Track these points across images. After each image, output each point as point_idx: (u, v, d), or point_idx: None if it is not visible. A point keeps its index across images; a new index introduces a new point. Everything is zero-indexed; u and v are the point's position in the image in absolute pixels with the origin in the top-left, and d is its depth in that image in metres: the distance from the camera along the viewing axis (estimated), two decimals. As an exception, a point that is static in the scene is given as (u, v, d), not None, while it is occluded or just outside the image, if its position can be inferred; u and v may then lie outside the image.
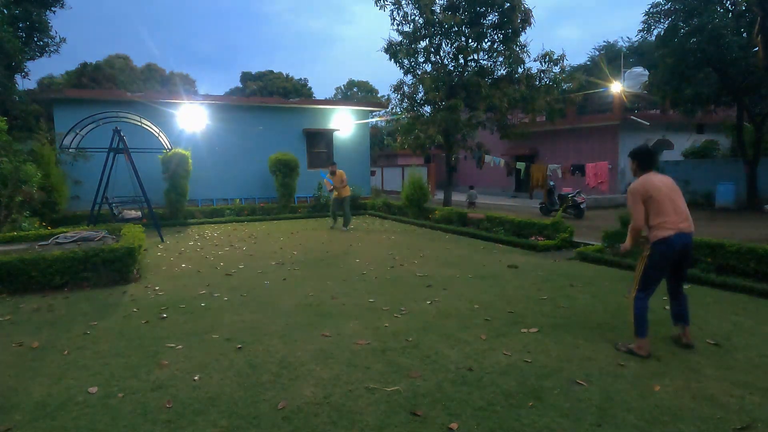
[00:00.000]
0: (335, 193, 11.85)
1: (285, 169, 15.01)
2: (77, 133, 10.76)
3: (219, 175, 15.87)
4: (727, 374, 3.48)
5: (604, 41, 35.67)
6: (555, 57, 15.53)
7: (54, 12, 15.58)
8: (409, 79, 16.45)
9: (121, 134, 10.08)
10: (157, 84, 35.99)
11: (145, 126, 11.07)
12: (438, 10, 15.30)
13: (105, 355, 3.95)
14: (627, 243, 4.16)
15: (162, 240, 10.09)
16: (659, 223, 3.86)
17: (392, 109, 17.75)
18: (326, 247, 9.21)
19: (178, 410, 3.04)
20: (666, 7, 14.74)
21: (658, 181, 3.95)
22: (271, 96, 34.82)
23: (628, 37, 38.44)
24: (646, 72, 18.30)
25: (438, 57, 15.97)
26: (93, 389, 3.32)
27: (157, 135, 11.43)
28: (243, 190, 16.32)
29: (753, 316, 4.83)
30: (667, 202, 3.88)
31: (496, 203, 19.34)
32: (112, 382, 3.45)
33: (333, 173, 11.86)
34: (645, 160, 4.06)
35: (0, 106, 13.91)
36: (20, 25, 14.39)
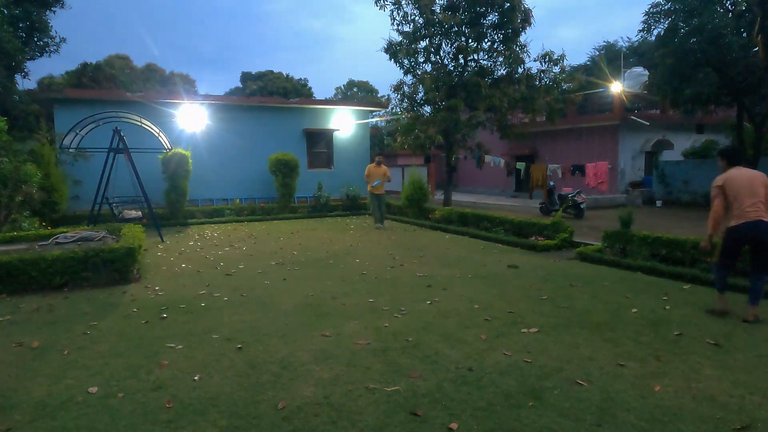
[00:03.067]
0: (374, 188, 11.64)
1: (285, 169, 15.02)
2: (77, 133, 10.76)
3: (219, 175, 15.87)
4: (727, 374, 3.48)
5: (604, 41, 35.71)
6: (555, 57, 15.54)
7: (54, 12, 15.60)
8: (409, 79, 16.47)
9: (121, 134, 10.09)
10: (157, 84, 36.01)
11: (145, 126, 11.07)
12: (438, 10, 15.30)
13: (105, 355, 3.95)
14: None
15: (162, 240, 10.09)
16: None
17: (392, 109, 17.76)
18: (326, 247, 9.21)
19: (178, 410, 3.04)
20: (666, 7, 14.72)
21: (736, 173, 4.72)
22: (271, 96, 34.82)
23: (628, 37, 38.46)
24: (646, 72, 18.28)
25: (438, 57, 15.97)
26: (93, 389, 3.32)
27: (157, 135, 11.43)
28: (243, 190, 16.32)
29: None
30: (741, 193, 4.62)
31: (496, 203, 19.34)
32: (112, 382, 3.45)
33: (379, 164, 11.71)
34: (732, 156, 4.88)
35: (0, 106, 13.91)
36: (20, 25, 14.40)
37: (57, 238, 7.48)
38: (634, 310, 5.01)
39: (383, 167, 11.79)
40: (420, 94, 16.18)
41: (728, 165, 4.87)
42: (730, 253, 4.83)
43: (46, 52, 15.40)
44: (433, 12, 15.09)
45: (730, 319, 4.72)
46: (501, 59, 15.59)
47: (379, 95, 45.82)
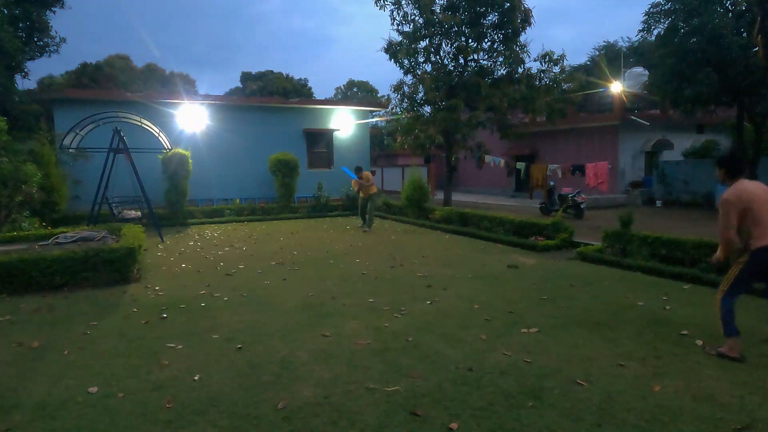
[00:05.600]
0: (362, 192, 11.80)
1: (285, 169, 15.02)
2: (77, 133, 10.75)
3: (219, 175, 15.86)
4: (727, 374, 3.48)
5: (604, 41, 35.67)
6: (555, 57, 15.54)
7: (54, 12, 15.62)
8: (409, 79, 16.47)
9: (121, 134, 10.08)
10: (157, 84, 35.95)
11: (145, 126, 11.07)
12: (438, 10, 15.30)
13: (105, 355, 3.95)
14: (720, 254, 3.96)
15: (162, 240, 10.09)
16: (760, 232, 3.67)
17: (392, 109, 17.75)
18: (326, 247, 9.21)
19: (178, 410, 3.04)
20: (666, 7, 14.72)
21: (753, 188, 3.80)
22: (272, 96, 34.82)
23: (628, 37, 38.41)
24: (646, 72, 18.29)
25: (438, 57, 15.97)
26: (93, 389, 3.32)
27: (157, 135, 11.42)
28: (243, 190, 16.32)
29: (753, 316, 4.82)
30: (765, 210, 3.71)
31: (496, 203, 19.33)
32: (112, 382, 3.45)
33: (360, 177, 11.68)
34: (734, 166, 3.92)
35: (0, 106, 13.91)
36: (20, 25, 14.41)
37: (57, 238, 7.48)
38: (634, 310, 5.01)
39: (365, 174, 11.78)
40: (420, 94, 16.17)
41: (729, 177, 3.93)
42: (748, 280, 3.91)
43: (46, 52, 15.43)
44: (433, 12, 15.09)
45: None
46: (501, 59, 15.59)
47: (379, 95, 45.83)
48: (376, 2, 15.77)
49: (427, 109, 16.48)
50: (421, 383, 3.36)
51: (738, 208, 3.70)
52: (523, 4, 15.08)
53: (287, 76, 43.97)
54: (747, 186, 3.80)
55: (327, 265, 7.53)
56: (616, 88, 18.49)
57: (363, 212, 12.09)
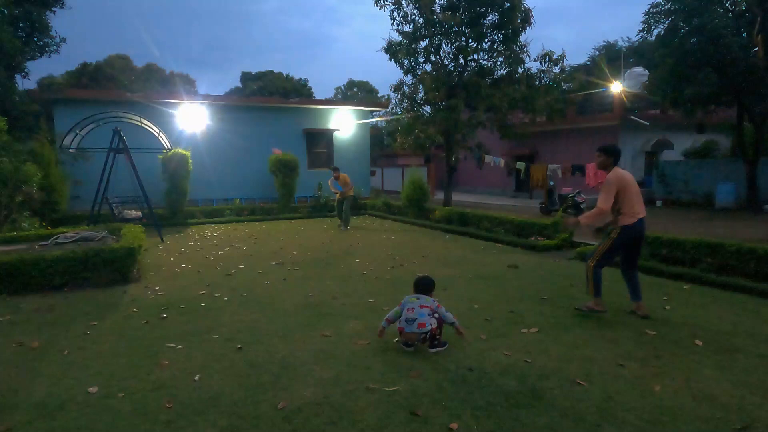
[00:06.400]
0: (338, 194, 12.13)
1: (285, 169, 15.02)
2: (77, 133, 10.76)
3: (219, 175, 15.88)
4: (727, 374, 3.47)
5: (604, 41, 35.64)
6: (555, 57, 15.54)
7: (54, 12, 15.64)
8: (409, 79, 16.48)
9: (121, 134, 10.08)
10: (157, 84, 35.97)
11: (145, 126, 11.07)
12: (438, 10, 15.31)
13: (105, 355, 3.95)
14: (585, 220, 4.73)
15: (162, 240, 10.08)
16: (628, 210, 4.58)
17: (392, 109, 17.77)
18: (326, 247, 9.21)
19: (178, 410, 3.03)
20: (666, 7, 14.74)
21: (626, 174, 4.71)
22: (272, 96, 34.83)
23: (628, 37, 38.40)
24: (646, 72, 18.28)
25: (438, 57, 15.97)
26: (93, 389, 3.32)
27: (157, 135, 11.42)
28: (243, 190, 16.32)
29: (753, 316, 4.82)
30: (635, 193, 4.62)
31: (496, 203, 19.34)
32: (112, 382, 3.45)
33: (337, 178, 12.05)
34: (616, 155, 4.80)
35: (0, 106, 13.92)
36: (20, 25, 14.42)
37: (57, 238, 7.48)
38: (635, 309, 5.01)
39: (342, 176, 12.03)
40: (420, 94, 16.18)
41: (613, 163, 4.77)
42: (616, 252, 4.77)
43: (46, 52, 15.44)
44: (433, 12, 15.09)
45: (730, 319, 4.72)
46: (501, 59, 15.60)
47: (379, 95, 45.84)
48: (376, 2, 15.78)
49: (427, 109, 16.49)
50: (421, 383, 3.36)
51: (617, 188, 4.55)
52: (523, 4, 15.09)
53: (287, 76, 44.01)
54: (622, 172, 4.72)
55: (327, 265, 7.53)
56: (616, 88, 18.49)
57: (340, 212, 12.20)
